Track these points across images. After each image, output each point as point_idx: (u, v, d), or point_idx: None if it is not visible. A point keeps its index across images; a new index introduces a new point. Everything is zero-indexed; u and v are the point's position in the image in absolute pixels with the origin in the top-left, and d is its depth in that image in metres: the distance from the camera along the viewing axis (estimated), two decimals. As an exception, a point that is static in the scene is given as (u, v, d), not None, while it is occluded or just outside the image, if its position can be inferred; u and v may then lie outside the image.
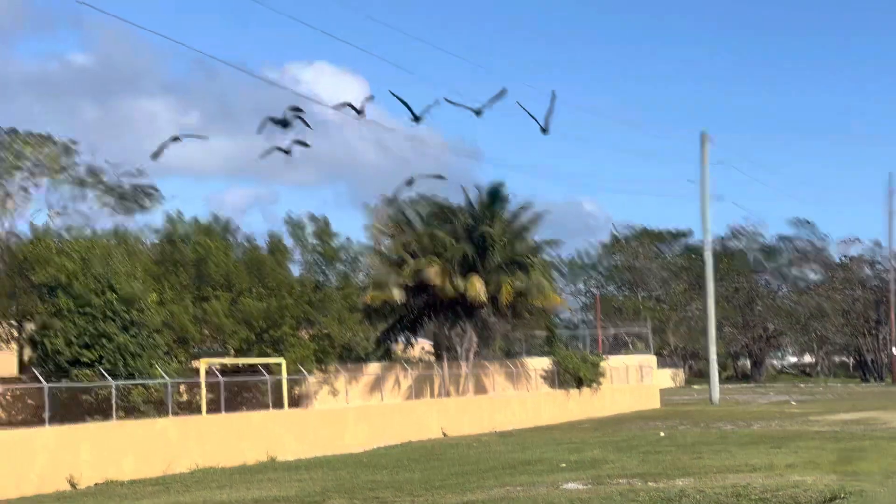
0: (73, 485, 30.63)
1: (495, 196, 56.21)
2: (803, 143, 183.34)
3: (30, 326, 40.92)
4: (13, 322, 43.46)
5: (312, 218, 51.79)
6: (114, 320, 36.60)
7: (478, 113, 20.82)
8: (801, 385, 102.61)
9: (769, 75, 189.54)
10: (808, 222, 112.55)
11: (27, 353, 41.18)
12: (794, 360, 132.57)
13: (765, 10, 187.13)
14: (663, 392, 77.56)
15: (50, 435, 31.34)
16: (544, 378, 62.72)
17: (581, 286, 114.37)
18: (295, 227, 51.34)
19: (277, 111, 18.46)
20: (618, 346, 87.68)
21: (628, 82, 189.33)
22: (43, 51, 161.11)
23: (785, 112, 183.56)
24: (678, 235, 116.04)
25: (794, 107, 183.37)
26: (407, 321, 56.60)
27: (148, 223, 50.60)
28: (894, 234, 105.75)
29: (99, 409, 35.68)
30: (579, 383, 63.06)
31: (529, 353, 68.30)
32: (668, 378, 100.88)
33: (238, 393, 43.04)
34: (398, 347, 58.55)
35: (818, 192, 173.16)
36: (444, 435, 48.72)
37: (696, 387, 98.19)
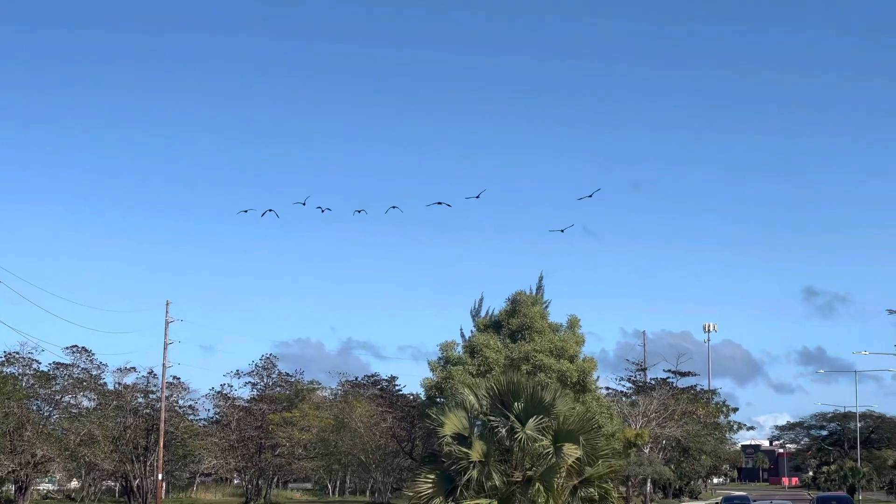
0: None
1: None
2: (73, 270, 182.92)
3: None
4: None
5: None
6: None
7: None
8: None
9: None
10: (85, 350, 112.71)
11: None
12: (55, 487, 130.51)
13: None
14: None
15: None
16: None
17: None
18: None
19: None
20: None
21: None
22: None
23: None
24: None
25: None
26: None
27: None
28: (167, 364, 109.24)
29: None
30: None
31: None
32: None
33: None
34: None
35: (98, 318, 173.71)
36: None
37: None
